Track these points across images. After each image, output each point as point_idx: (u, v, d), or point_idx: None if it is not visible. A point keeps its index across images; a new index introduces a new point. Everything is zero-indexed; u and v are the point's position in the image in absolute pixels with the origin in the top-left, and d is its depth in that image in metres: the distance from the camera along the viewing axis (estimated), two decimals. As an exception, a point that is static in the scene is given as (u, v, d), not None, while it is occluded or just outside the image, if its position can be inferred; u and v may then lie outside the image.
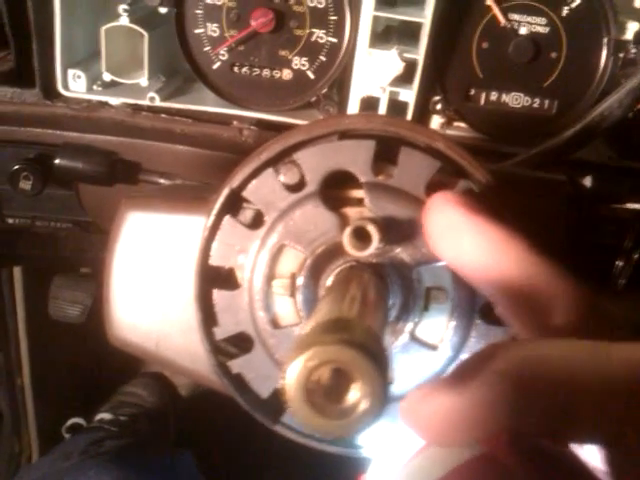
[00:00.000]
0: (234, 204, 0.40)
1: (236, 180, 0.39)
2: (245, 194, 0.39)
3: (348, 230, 0.34)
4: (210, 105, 0.76)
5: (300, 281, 0.39)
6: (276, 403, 0.40)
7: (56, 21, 0.71)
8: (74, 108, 0.75)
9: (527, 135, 0.72)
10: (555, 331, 0.29)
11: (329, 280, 0.38)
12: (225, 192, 0.39)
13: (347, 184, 0.39)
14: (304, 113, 0.76)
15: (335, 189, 0.39)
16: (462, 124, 0.75)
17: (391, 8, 0.70)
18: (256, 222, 0.40)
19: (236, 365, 0.40)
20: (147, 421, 1.41)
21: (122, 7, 0.72)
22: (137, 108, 0.75)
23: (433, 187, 0.38)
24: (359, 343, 0.24)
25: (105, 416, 1.41)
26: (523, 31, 0.71)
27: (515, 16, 0.71)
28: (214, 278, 0.40)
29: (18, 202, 0.83)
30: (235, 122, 0.75)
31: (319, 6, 0.71)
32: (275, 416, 0.41)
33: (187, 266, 0.41)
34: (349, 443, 0.42)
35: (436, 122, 0.75)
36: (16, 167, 0.74)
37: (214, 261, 0.40)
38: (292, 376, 0.24)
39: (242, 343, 0.41)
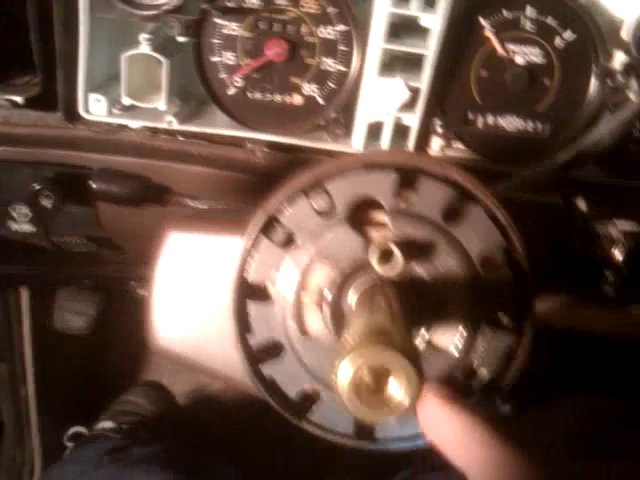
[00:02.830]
0: (268, 225, 0.45)
1: (272, 205, 0.44)
2: (280, 218, 0.44)
3: (376, 252, 0.38)
4: (224, 128, 0.80)
5: (328, 295, 0.44)
6: (303, 403, 0.45)
7: (80, 47, 0.76)
8: (94, 131, 0.80)
9: (522, 156, 0.77)
10: None
11: (355, 294, 0.43)
12: (263, 217, 0.44)
13: (371, 209, 0.44)
14: (313, 135, 0.80)
15: (361, 214, 0.44)
16: (461, 146, 0.80)
17: (397, 39, 0.75)
18: (288, 242, 0.44)
19: (268, 369, 0.45)
20: (146, 429, 1.44)
21: (143, 36, 0.77)
22: (155, 131, 0.80)
23: (449, 212, 0.43)
24: (399, 346, 0.29)
25: (106, 424, 1.43)
26: (519, 60, 0.76)
27: (511, 46, 0.76)
28: (249, 291, 0.45)
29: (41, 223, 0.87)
30: (248, 144, 0.80)
31: (329, 37, 0.76)
32: (302, 415, 0.46)
33: (223, 281, 0.45)
34: (367, 437, 0.47)
35: (436, 144, 0.80)
36: (38, 187, 0.79)
37: (250, 276, 0.45)
38: (344, 374, 0.29)
39: (273, 350, 0.45)
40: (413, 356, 0.29)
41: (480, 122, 0.79)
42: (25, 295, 1.40)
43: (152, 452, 1.06)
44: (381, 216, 0.43)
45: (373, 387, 0.30)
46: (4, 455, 1.45)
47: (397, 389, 0.30)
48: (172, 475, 0.95)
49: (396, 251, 0.38)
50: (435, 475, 1.01)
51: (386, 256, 0.39)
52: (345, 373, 0.29)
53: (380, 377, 0.30)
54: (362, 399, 0.30)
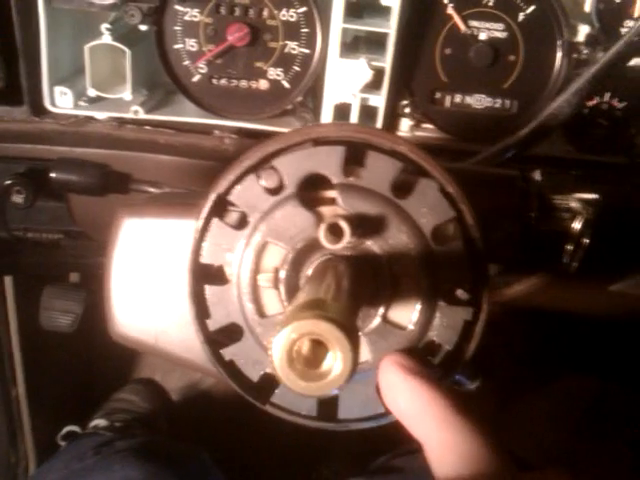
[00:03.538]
0: (220, 207, 0.44)
1: (221, 186, 0.43)
2: (230, 198, 0.44)
3: (323, 226, 0.38)
4: (191, 116, 0.80)
5: (282, 274, 0.43)
6: (265, 385, 0.45)
7: (42, 40, 0.75)
8: (61, 123, 0.79)
9: (491, 133, 0.77)
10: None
11: (309, 272, 0.43)
12: (212, 197, 0.43)
13: (321, 185, 0.43)
14: (281, 120, 0.80)
15: (311, 191, 0.43)
16: (430, 126, 0.80)
17: (358, 19, 0.74)
18: (241, 223, 0.44)
19: (228, 353, 0.45)
20: (140, 426, 1.44)
21: (104, 26, 0.76)
22: (122, 121, 0.79)
23: (398, 185, 0.43)
24: (332, 317, 0.29)
25: (100, 422, 1.43)
26: (483, 37, 0.76)
27: (475, 23, 0.76)
28: (205, 275, 0.44)
29: (10, 215, 0.86)
30: (216, 131, 0.79)
31: (291, 20, 0.76)
32: (265, 397, 0.46)
33: (180, 265, 0.45)
34: (330, 418, 0.47)
35: (405, 125, 0.80)
36: (8, 182, 0.78)
37: (205, 259, 0.44)
38: (277, 347, 0.29)
39: (233, 334, 0.45)
40: (348, 329, 0.29)
41: (448, 101, 0.79)
42: (10, 295, 1.39)
43: (134, 443, 1.06)
44: (332, 192, 0.43)
45: (312, 361, 0.30)
46: (-2, 455, 1.46)
47: (333, 362, 0.30)
48: (147, 464, 0.96)
49: (343, 225, 0.38)
50: (411, 457, 1.02)
51: (334, 231, 0.38)
52: (278, 345, 0.29)
53: (318, 351, 0.30)
54: (296, 372, 0.29)
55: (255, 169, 0.44)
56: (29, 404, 1.42)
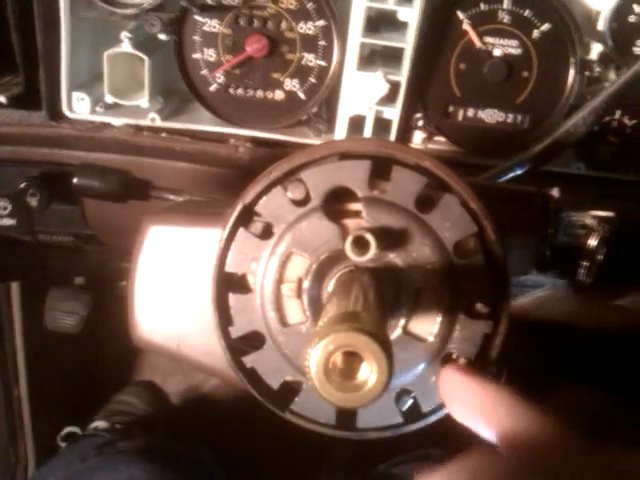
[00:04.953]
0: (246, 217, 0.45)
1: (248, 196, 0.44)
2: (256, 209, 0.45)
3: (349, 239, 0.39)
4: (207, 124, 0.81)
5: (306, 284, 0.44)
6: (285, 394, 0.46)
7: (63, 47, 0.76)
8: (78, 129, 0.80)
9: (502, 148, 0.78)
10: None
11: (332, 283, 0.44)
12: (239, 207, 0.44)
13: (346, 198, 0.44)
14: (295, 130, 0.81)
15: (336, 203, 0.44)
16: (442, 139, 0.81)
17: (376, 34, 0.76)
18: (266, 233, 0.45)
19: (250, 360, 0.46)
20: (139, 428, 1.45)
21: (125, 34, 0.77)
22: (138, 128, 0.80)
23: (422, 200, 0.44)
24: (368, 330, 0.29)
25: (100, 424, 1.44)
26: (497, 53, 0.77)
27: (490, 39, 0.77)
28: (229, 283, 0.45)
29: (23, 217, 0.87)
30: (231, 140, 0.80)
31: (309, 32, 0.77)
32: (284, 405, 0.46)
33: (204, 273, 0.46)
34: (348, 427, 0.47)
35: (418, 137, 0.81)
36: (23, 185, 0.79)
37: (229, 268, 0.45)
38: (315, 359, 0.30)
39: (255, 342, 0.46)
40: (384, 341, 0.30)
41: (461, 115, 0.80)
42: (16, 296, 1.40)
43: (135, 444, 1.07)
44: (356, 205, 0.44)
45: (345, 372, 0.31)
46: (-3, 455, 1.46)
47: (368, 374, 0.31)
48: (151, 464, 0.97)
49: (369, 238, 0.39)
50: (410, 466, 1.03)
51: (359, 243, 0.39)
52: (315, 357, 0.30)
53: (352, 362, 0.31)
54: (334, 384, 0.30)
55: (282, 181, 0.44)
56: (30, 404, 1.42)
